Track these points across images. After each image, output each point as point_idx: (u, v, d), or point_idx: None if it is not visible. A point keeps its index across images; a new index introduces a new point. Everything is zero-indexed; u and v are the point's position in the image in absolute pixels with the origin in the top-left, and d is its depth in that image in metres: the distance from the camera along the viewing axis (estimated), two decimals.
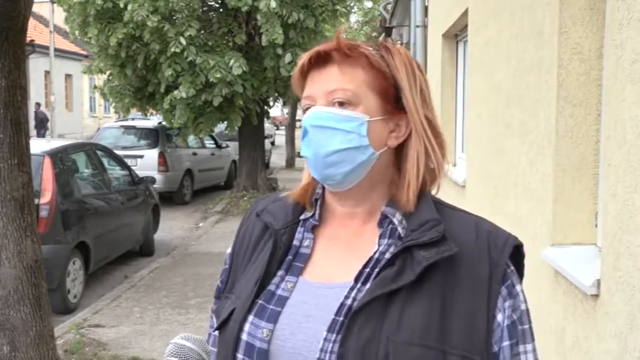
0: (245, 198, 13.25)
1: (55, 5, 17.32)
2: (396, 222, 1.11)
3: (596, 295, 2.43)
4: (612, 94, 2.30)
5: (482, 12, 4.82)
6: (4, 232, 3.73)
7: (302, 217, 1.19)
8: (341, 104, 1.10)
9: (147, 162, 12.74)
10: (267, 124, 19.99)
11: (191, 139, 13.87)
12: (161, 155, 13.05)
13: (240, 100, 11.81)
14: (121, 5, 10.79)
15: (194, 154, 14.18)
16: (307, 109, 1.13)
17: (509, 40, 3.89)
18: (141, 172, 9.86)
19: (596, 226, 2.89)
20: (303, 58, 1.14)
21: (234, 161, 15.74)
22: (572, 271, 2.62)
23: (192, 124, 12.17)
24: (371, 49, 1.13)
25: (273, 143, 26.59)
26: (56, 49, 25.56)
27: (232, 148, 15.69)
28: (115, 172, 8.62)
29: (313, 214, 1.18)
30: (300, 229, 1.18)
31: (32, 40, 23.45)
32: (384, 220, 1.13)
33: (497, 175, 3.99)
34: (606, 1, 2.62)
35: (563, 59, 2.88)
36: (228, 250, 1.28)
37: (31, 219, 3.84)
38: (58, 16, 21.32)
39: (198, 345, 1.22)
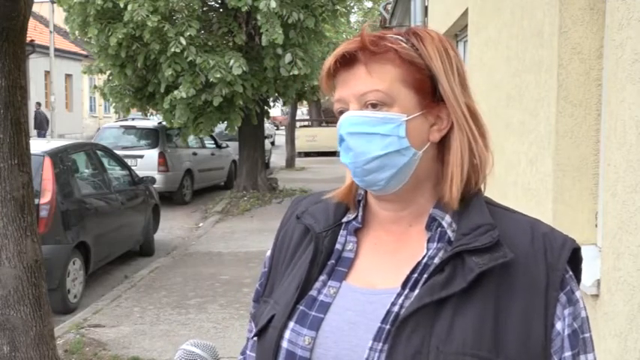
0: (245, 198, 13.25)
1: (55, 5, 17.32)
2: (445, 225, 1.05)
3: (596, 295, 2.43)
4: (612, 94, 2.30)
5: (482, 12, 4.82)
6: (4, 232, 3.73)
7: (344, 219, 1.13)
8: (374, 106, 1.03)
9: (147, 162, 12.73)
10: (267, 124, 19.99)
11: (191, 139, 13.86)
12: (161, 155, 13.04)
13: (240, 100, 11.81)
14: (121, 5, 10.79)
15: (194, 154, 14.18)
16: (341, 112, 1.06)
17: (509, 40, 3.89)
18: (141, 172, 9.85)
19: (596, 226, 2.89)
20: (329, 60, 1.06)
21: (234, 161, 15.73)
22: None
23: (192, 124, 12.17)
24: (399, 37, 1.05)
25: (273, 143, 26.59)
26: (56, 49, 25.54)
27: (232, 148, 15.68)
28: (115, 172, 8.61)
29: (356, 217, 1.12)
30: (342, 232, 1.12)
31: (32, 40, 23.45)
32: (432, 223, 1.06)
33: (497, 175, 3.99)
34: (606, 1, 2.63)
35: (563, 59, 2.88)
36: (268, 253, 1.23)
37: (31, 219, 3.84)
38: (58, 16, 21.32)
39: (208, 351, 1.21)
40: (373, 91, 1.02)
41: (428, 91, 1.04)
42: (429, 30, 1.08)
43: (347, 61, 1.04)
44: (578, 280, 1.06)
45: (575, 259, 1.04)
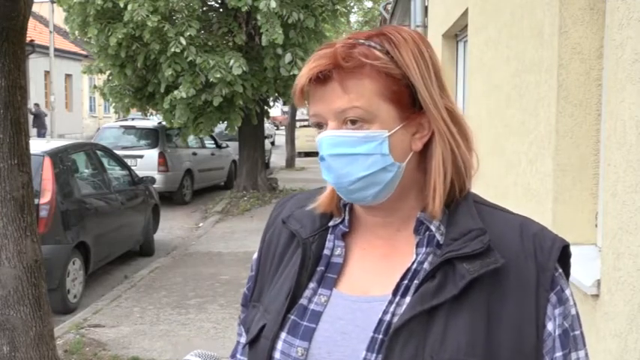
0: (245, 198, 13.25)
1: (55, 5, 17.32)
2: (433, 229, 1.02)
3: (596, 295, 2.43)
4: (612, 94, 2.30)
5: (482, 12, 4.82)
6: (4, 232, 3.73)
7: (331, 223, 1.10)
8: (353, 122, 0.99)
9: (147, 162, 12.73)
10: (267, 124, 19.99)
11: (191, 139, 13.86)
12: (161, 155, 13.04)
13: (240, 100, 11.81)
14: (121, 5, 10.79)
15: (194, 154, 14.18)
16: (317, 124, 1.03)
17: (509, 40, 3.89)
18: (141, 172, 9.86)
19: (596, 226, 2.89)
20: (301, 78, 1.00)
21: (234, 161, 15.73)
22: (572, 271, 2.61)
23: (192, 124, 12.17)
24: (372, 44, 1.01)
25: (273, 143, 26.58)
26: (56, 49, 25.54)
27: (232, 148, 15.68)
28: (115, 172, 8.61)
29: (342, 220, 1.10)
30: (329, 236, 1.09)
31: (32, 40, 23.44)
32: (420, 227, 1.04)
33: (497, 175, 3.99)
34: (606, 1, 2.62)
35: (563, 59, 2.88)
36: (254, 256, 1.21)
37: (31, 219, 3.84)
38: (58, 16, 21.31)
39: None
40: (352, 107, 0.98)
41: (407, 102, 1.01)
42: (400, 30, 1.04)
43: (321, 79, 1.00)
44: (567, 274, 1.06)
45: (564, 256, 1.04)
